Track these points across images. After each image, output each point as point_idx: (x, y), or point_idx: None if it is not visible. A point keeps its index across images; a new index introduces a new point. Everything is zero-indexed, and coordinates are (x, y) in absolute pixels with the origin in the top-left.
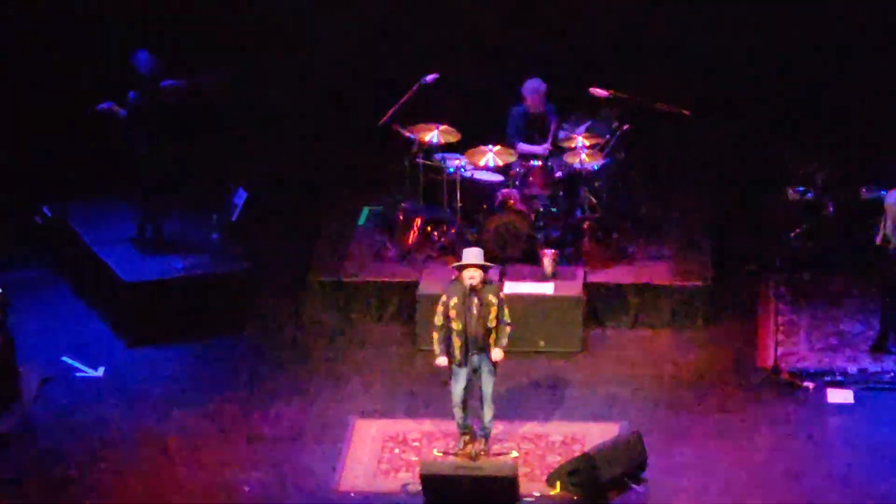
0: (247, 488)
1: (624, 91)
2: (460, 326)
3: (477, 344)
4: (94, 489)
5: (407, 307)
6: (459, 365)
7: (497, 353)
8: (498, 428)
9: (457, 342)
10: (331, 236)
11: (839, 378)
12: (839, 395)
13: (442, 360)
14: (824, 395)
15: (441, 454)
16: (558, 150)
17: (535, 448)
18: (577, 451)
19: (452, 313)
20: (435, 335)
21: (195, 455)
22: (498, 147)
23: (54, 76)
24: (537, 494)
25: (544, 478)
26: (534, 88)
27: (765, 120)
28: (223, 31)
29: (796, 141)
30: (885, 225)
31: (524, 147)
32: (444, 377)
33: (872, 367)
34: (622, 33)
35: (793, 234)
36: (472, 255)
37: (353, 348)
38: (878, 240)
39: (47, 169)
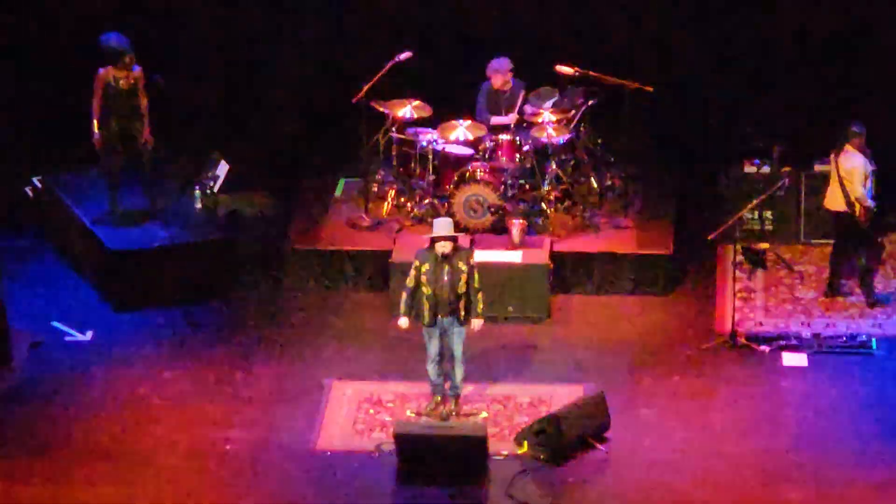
0: (228, 446)
1: (589, 68)
2: (430, 291)
3: (446, 308)
4: (82, 449)
5: (381, 275)
6: (429, 326)
7: (477, 323)
8: (468, 389)
9: (426, 305)
10: (308, 207)
11: (793, 342)
12: (793, 359)
13: (403, 322)
14: (779, 359)
15: (413, 414)
16: (526, 125)
17: (504, 409)
18: (543, 411)
19: (423, 279)
20: (403, 295)
21: (179, 414)
22: (469, 122)
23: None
24: (506, 453)
25: (512, 437)
26: (496, 67)
27: (723, 96)
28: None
29: (753, 116)
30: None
31: (492, 119)
32: (416, 342)
33: (825, 333)
34: (588, 12)
35: (750, 205)
36: (443, 225)
37: (329, 314)
38: (832, 205)
39: (38, 140)
